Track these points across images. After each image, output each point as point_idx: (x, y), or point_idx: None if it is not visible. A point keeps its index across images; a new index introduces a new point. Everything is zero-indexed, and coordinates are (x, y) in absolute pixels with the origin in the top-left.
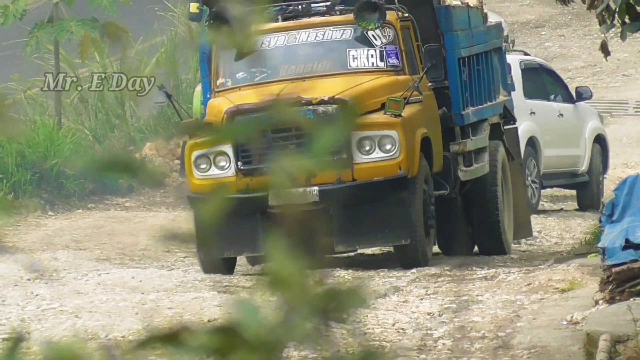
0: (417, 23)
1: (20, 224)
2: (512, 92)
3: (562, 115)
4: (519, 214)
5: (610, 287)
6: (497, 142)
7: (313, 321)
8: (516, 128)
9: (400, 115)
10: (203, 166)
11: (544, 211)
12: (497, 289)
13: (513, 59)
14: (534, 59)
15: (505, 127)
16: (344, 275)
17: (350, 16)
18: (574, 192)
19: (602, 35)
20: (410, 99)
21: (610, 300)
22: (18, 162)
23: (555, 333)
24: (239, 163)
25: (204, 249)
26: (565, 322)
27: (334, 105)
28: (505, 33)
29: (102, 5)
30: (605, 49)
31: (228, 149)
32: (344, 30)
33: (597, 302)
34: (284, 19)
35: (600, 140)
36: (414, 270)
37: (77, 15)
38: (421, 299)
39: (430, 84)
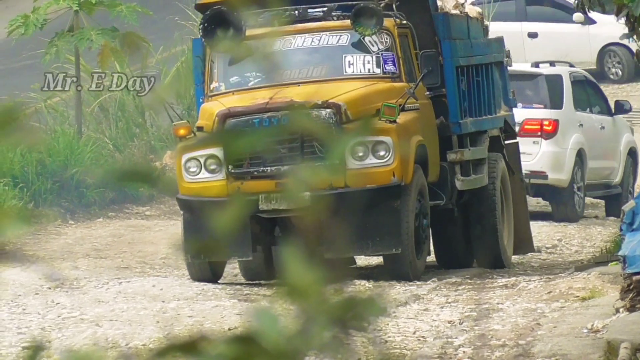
0: (415, 30)
1: (40, 233)
2: (563, 104)
3: (603, 127)
4: (520, 229)
5: (630, 295)
6: (497, 154)
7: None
8: (517, 143)
9: (395, 122)
10: (193, 169)
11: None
12: (517, 297)
13: (563, 71)
14: (580, 71)
15: (506, 142)
16: (364, 284)
17: (347, 22)
18: (594, 200)
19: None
20: (406, 106)
21: (631, 309)
22: (38, 171)
23: (575, 341)
24: (230, 167)
25: (191, 253)
26: (585, 331)
27: (328, 110)
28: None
29: (122, 15)
30: None
31: (219, 151)
32: (341, 35)
33: (617, 310)
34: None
35: (632, 153)
36: (434, 278)
37: (97, 24)
38: (442, 307)
39: (427, 92)
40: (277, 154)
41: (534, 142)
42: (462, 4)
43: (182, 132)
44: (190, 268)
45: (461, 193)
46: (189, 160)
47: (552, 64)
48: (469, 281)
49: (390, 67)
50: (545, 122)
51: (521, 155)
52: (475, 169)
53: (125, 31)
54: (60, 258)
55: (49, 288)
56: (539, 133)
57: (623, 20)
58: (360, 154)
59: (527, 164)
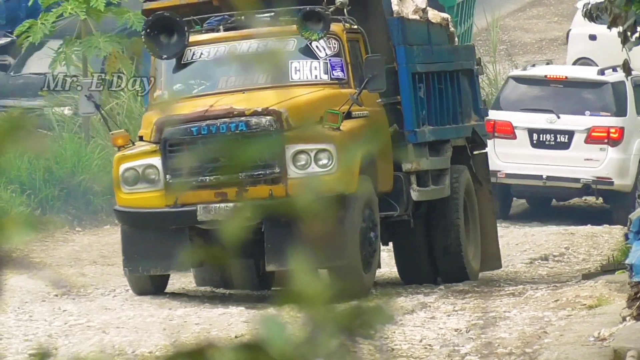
0: (369, 35)
1: (47, 240)
2: (627, 111)
3: None
4: (487, 243)
5: (637, 303)
6: (462, 166)
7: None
8: (486, 153)
9: (338, 129)
10: (131, 179)
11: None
12: (524, 305)
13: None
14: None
15: (475, 152)
16: (371, 292)
17: (294, 27)
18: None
19: (626, 53)
20: (354, 113)
21: (638, 317)
22: (46, 178)
23: (582, 349)
24: (168, 176)
25: (130, 266)
26: (592, 339)
27: (268, 117)
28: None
29: (130, 22)
30: (627, 69)
31: (157, 161)
32: (287, 41)
33: (624, 319)
34: (226, 29)
35: None
36: (441, 286)
37: (105, 31)
38: (448, 315)
39: (380, 99)
40: (215, 163)
41: (600, 149)
42: (423, 9)
43: (119, 141)
44: (131, 281)
45: (418, 204)
46: (126, 170)
47: (614, 69)
48: (476, 289)
49: (338, 73)
50: (612, 130)
51: (587, 162)
52: (435, 179)
53: (132, 38)
54: (68, 265)
55: (56, 295)
56: (606, 140)
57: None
58: (302, 163)
59: (594, 170)
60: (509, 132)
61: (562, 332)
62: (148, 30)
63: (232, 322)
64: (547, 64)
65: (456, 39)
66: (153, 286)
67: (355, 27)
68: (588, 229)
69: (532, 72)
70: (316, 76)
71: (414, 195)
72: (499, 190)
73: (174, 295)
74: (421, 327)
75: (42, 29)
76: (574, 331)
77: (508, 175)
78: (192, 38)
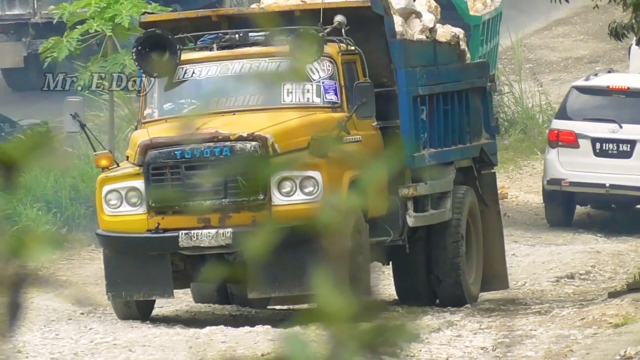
0: (370, 57)
1: (73, 258)
2: None
3: None
4: (493, 264)
5: None
6: (466, 187)
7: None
8: (494, 173)
9: (325, 156)
10: (113, 202)
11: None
12: (550, 323)
13: None
14: None
15: (483, 172)
16: (398, 310)
17: (287, 47)
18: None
19: None
20: (346, 138)
21: None
22: (72, 196)
23: None
24: (150, 200)
25: (113, 291)
26: (618, 357)
27: (253, 143)
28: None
29: None
30: None
31: (140, 184)
32: (281, 62)
33: None
34: (219, 48)
35: None
36: (467, 304)
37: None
38: (475, 334)
39: (376, 123)
40: (198, 188)
41: None
42: (431, 29)
43: (103, 162)
44: (115, 307)
45: (415, 229)
46: (109, 192)
47: None
48: (502, 307)
49: (331, 97)
50: None
51: None
52: (436, 202)
53: None
54: (94, 283)
55: (82, 313)
56: None
57: None
58: (287, 190)
59: None
60: (572, 141)
61: (588, 350)
62: (139, 48)
63: (258, 340)
64: (609, 72)
65: (468, 55)
66: (138, 311)
67: (353, 48)
68: (614, 246)
69: (594, 82)
70: (308, 99)
71: (410, 222)
72: (563, 198)
73: (200, 313)
74: (447, 345)
75: (67, 47)
76: (600, 350)
77: (572, 184)
78: (185, 56)
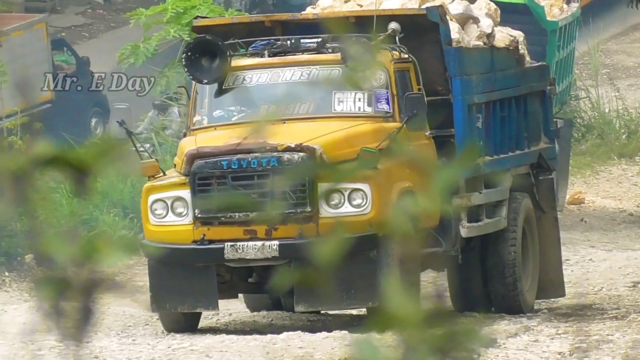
0: (425, 65)
1: None
2: None
3: None
4: (550, 271)
5: None
6: (523, 194)
7: None
8: (552, 179)
9: (375, 168)
10: (159, 212)
11: None
12: (627, 328)
13: None
14: None
15: (540, 178)
16: (474, 315)
17: (339, 55)
18: None
19: None
20: (396, 149)
21: None
22: None
23: None
24: (197, 211)
25: (157, 302)
26: None
27: (301, 154)
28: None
29: None
30: None
31: (186, 194)
32: (332, 70)
33: None
34: (271, 55)
35: None
36: (545, 310)
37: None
38: (552, 339)
39: (430, 132)
40: (245, 200)
41: None
42: (488, 34)
43: (149, 171)
44: (161, 318)
45: (469, 239)
46: (155, 201)
47: None
48: (579, 312)
49: (383, 106)
50: None
51: None
52: (490, 211)
53: None
54: None
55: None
56: None
57: None
58: (335, 202)
59: None
60: None
61: None
62: (189, 54)
63: (335, 345)
64: None
65: (527, 59)
66: (185, 323)
67: (406, 56)
68: None
69: None
70: (359, 108)
71: (463, 232)
72: None
73: (277, 318)
74: (524, 350)
75: (144, 52)
76: None
77: None
78: (235, 62)
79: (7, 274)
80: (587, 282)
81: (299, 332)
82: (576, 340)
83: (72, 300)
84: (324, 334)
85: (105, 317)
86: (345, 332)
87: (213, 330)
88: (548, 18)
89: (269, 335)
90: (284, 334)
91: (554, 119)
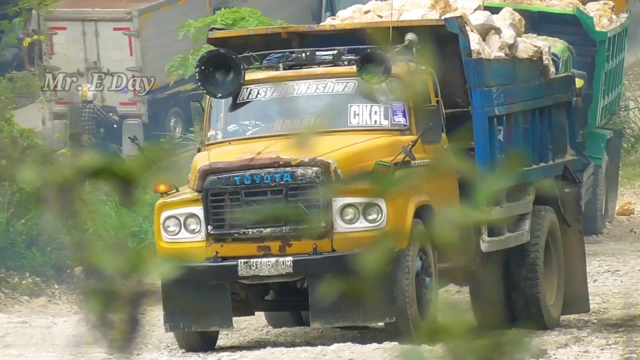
0: (444, 77)
1: None
2: None
3: None
4: (574, 285)
5: None
6: (546, 207)
7: None
8: (578, 191)
9: (391, 182)
10: (172, 229)
11: None
12: None
13: None
14: None
15: (566, 190)
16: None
17: (354, 68)
18: None
19: None
20: (413, 162)
21: None
22: None
23: None
24: (209, 227)
25: (171, 321)
26: None
27: (315, 168)
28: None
29: None
30: None
31: (199, 210)
32: (347, 82)
33: None
34: (285, 68)
35: None
36: (594, 320)
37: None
38: (602, 349)
39: (447, 145)
40: (258, 215)
41: None
42: (510, 45)
43: (161, 187)
44: (177, 337)
45: (489, 253)
46: (168, 218)
47: None
48: (629, 323)
49: (399, 119)
50: None
51: None
52: (513, 224)
53: None
54: None
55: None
56: None
57: None
58: (350, 217)
59: None
60: None
61: None
62: (203, 68)
63: (385, 357)
64: None
65: (552, 70)
66: (201, 342)
67: (423, 67)
68: None
69: None
70: (375, 121)
71: (483, 247)
72: None
73: (326, 329)
74: None
75: (193, 64)
76: None
77: None
78: (249, 76)
79: (56, 286)
80: (636, 293)
81: (349, 343)
82: (626, 350)
83: (120, 313)
84: (374, 345)
85: (155, 330)
86: (396, 343)
87: (263, 342)
88: (597, 29)
89: (319, 347)
90: (334, 346)
91: (607, 129)
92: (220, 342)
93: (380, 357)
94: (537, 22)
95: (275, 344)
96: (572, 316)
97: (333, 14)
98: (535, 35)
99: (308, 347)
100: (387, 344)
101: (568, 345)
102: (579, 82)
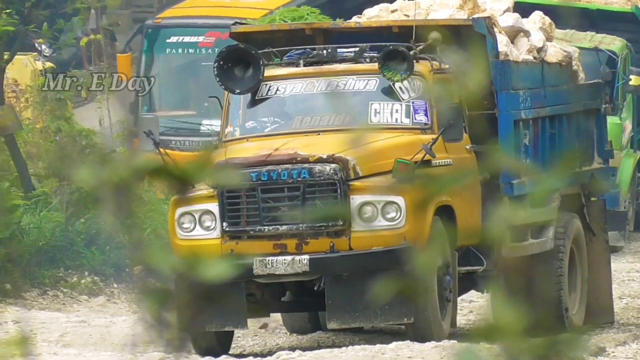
0: (470, 77)
1: None
2: None
3: None
4: (599, 296)
5: None
6: (572, 215)
7: None
8: (604, 201)
9: (410, 180)
10: (187, 225)
11: None
12: None
13: None
14: None
15: (592, 199)
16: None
17: (376, 65)
18: None
19: None
20: (434, 162)
21: None
22: None
23: None
24: (225, 224)
25: (182, 323)
26: None
27: (333, 165)
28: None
29: None
30: None
31: (214, 207)
32: (369, 80)
33: None
34: (306, 64)
35: None
36: None
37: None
38: None
39: (470, 146)
40: (275, 212)
41: None
42: (539, 49)
43: None
44: (192, 339)
45: (512, 259)
46: (182, 214)
47: None
48: None
49: (421, 118)
50: None
51: None
52: (536, 232)
53: None
54: None
55: (261, 328)
56: None
57: None
58: (368, 215)
59: None
60: None
61: None
62: (221, 63)
63: (444, 355)
64: None
65: (582, 76)
66: (218, 344)
67: (446, 66)
68: None
69: None
70: (397, 120)
71: (505, 252)
72: None
73: (385, 327)
74: (633, 358)
75: None
76: None
77: None
78: (269, 72)
79: (115, 285)
80: None
81: (408, 341)
82: None
83: (177, 312)
84: (433, 343)
85: None
86: (454, 341)
87: (322, 341)
88: None
89: (377, 345)
90: (393, 344)
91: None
92: (279, 341)
93: (439, 355)
94: (596, 19)
95: (334, 342)
96: (631, 313)
97: None
98: (593, 32)
99: (367, 346)
100: (445, 342)
101: (627, 343)
102: (637, 80)
